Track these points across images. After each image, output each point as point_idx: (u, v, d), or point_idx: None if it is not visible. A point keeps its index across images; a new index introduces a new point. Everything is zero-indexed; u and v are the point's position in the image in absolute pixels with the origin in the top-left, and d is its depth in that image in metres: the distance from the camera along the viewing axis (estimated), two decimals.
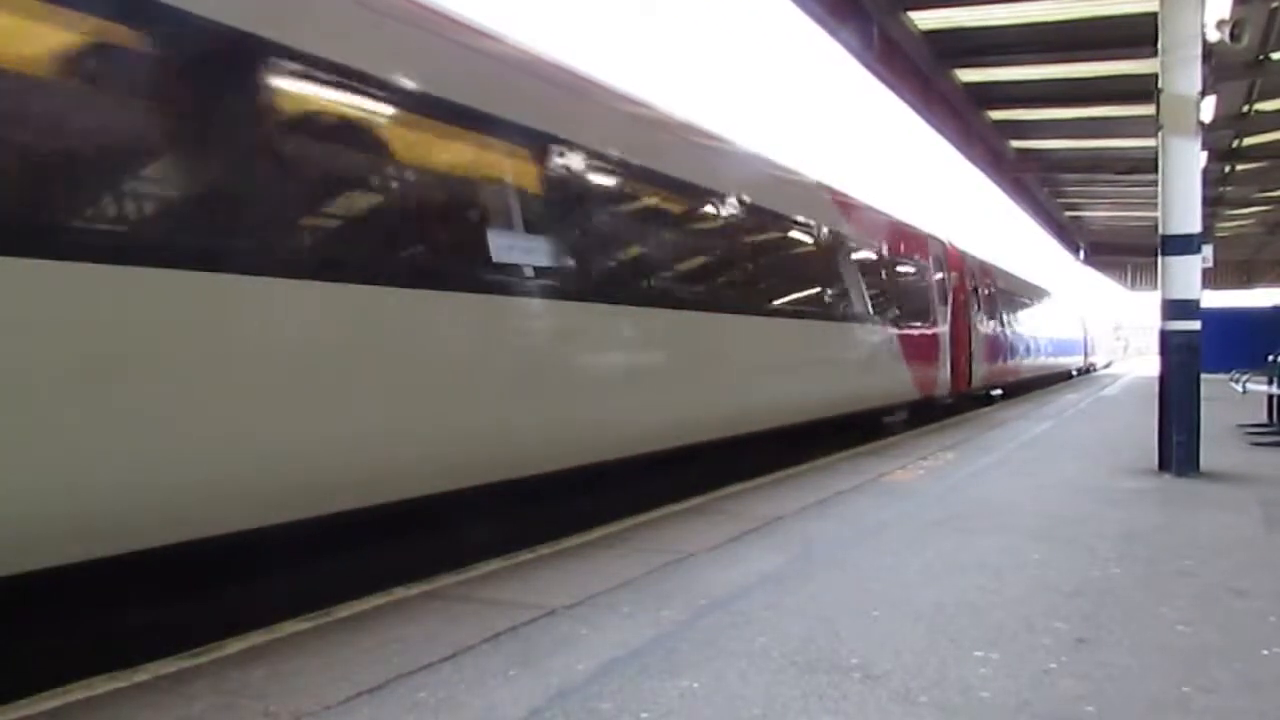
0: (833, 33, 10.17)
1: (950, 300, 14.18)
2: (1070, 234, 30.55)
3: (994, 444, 9.61)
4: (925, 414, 12.88)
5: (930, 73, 12.60)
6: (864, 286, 10.43)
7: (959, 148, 15.61)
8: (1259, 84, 12.61)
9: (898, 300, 11.83)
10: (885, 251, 11.64)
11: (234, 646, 3.15)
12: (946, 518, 5.43)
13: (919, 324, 12.65)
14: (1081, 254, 33.53)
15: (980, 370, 16.00)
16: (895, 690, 2.69)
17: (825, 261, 9.59)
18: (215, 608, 3.58)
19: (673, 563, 4.32)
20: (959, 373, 14.51)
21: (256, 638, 3.26)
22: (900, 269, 12.40)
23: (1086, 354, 34.22)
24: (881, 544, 4.72)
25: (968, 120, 15.14)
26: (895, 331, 11.46)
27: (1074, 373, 30.58)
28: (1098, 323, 40.47)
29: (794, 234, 9.11)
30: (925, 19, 11.05)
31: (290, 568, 3.91)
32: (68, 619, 3.22)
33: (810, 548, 4.64)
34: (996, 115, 15.36)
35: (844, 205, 10.26)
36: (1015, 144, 17.47)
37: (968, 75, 13.16)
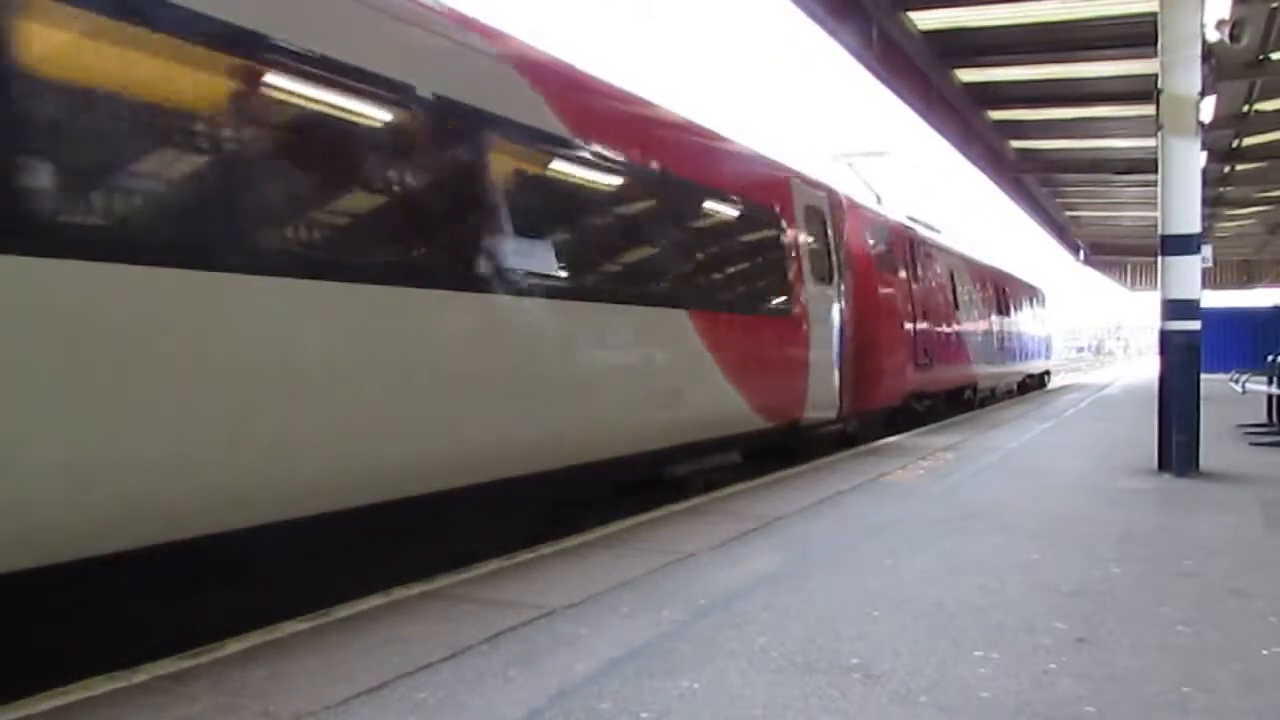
0: (832, 33, 10.18)
1: None
2: (1070, 234, 30.56)
3: (994, 444, 9.61)
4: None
5: (930, 73, 12.60)
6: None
7: (959, 148, 15.62)
8: (1259, 84, 12.61)
9: None
10: None
11: (234, 646, 3.15)
12: (946, 518, 5.44)
13: None
14: (1081, 254, 33.55)
15: None
16: (895, 690, 2.69)
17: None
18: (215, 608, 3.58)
19: (673, 563, 4.33)
20: None
21: (256, 638, 3.26)
22: None
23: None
24: (881, 544, 4.72)
25: (968, 120, 15.14)
26: None
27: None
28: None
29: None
30: (925, 19, 11.06)
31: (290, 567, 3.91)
32: (68, 619, 3.21)
33: (810, 548, 4.64)
34: (996, 115, 15.37)
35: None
36: (1015, 144, 17.48)
37: (968, 75, 13.17)
